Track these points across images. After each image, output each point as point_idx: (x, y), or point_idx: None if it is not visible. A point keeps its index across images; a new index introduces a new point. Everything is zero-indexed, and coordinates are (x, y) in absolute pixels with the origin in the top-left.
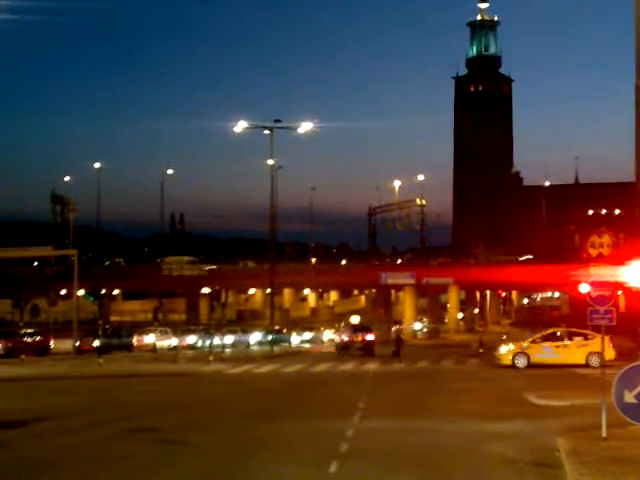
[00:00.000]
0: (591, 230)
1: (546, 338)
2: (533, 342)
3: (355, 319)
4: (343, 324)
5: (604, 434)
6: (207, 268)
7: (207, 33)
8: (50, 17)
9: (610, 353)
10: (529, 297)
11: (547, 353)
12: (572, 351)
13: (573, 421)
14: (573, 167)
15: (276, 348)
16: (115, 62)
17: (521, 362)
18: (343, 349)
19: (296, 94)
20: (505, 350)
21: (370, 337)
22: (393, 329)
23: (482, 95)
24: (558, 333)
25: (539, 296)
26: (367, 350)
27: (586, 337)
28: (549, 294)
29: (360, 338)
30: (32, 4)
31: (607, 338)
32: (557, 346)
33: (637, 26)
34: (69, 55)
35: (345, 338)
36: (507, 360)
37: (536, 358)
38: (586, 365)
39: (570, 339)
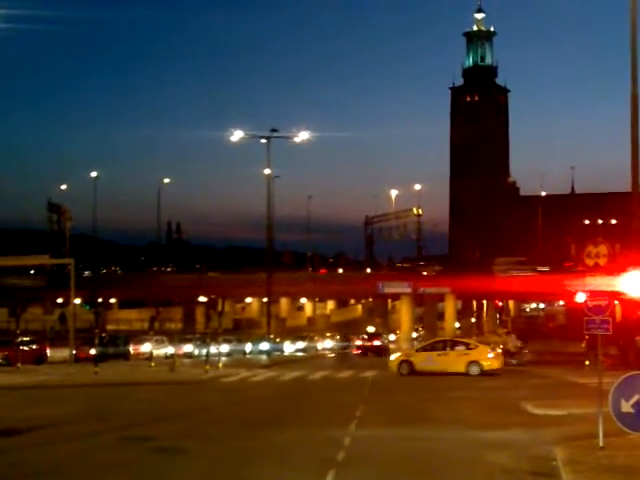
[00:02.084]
0: (587, 240)
1: (430, 347)
2: (417, 351)
3: (371, 329)
4: (363, 333)
5: (601, 443)
6: (540, 269)
7: (205, 41)
8: (47, 25)
9: (491, 363)
10: (519, 308)
11: (429, 361)
12: (453, 360)
13: (570, 430)
14: (569, 177)
15: (272, 356)
16: (112, 70)
17: (405, 369)
18: (361, 351)
19: (293, 103)
20: (393, 358)
21: (377, 342)
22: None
23: (478, 105)
24: (441, 342)
25: (527, 307)
26: (378, 352)
27: (468, 346)
28: (534, 305)
29: (369, 343)
30: (29, 12)
31: (488, 348)
32: (439, 355)
33: (632, 37)
34: (67, 63)
35: (360, 343)
36: (394, 367)
37: (420, 366)
38: (466, 373)
39: (452, 348)
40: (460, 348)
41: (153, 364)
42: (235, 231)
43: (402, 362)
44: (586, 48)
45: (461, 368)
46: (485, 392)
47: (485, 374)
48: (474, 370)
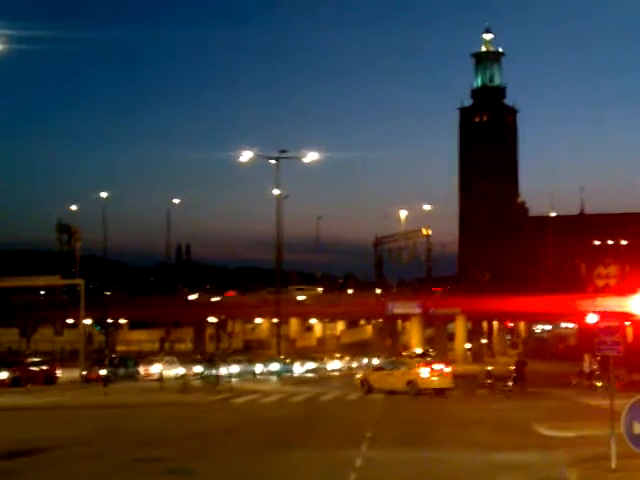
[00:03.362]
0: (597, 261)
1: (381, 368)
2: (373, 371)
3: (419, 350)
4: (407, 353)
5: (613, 465)
6: None
7: (211, 62)
8: (54, 46)
9: (427, 383)
10: (529, 329)
11: (380, 380)
12: (397, 379)
13: (582, 452)
14: (579, 197)
15: (282, 377)
16: (121, 90)
17: (365, 387)
18: None
19: (301, 123)
20: (357, 376)
21: None
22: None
23: (487, 126)
24: (390, 363)
25: (538, 329)
26: None
27: (409, 367)
28: (540, 327)
29: None
30: (36, 32)
31: (425, 369)
32: (387, 374)
33: None
34: (74, 83)
35: None
36: (358, 385)
37: (374, 384)
38: (406, 392)
39: (398, 368)
40: (403, 368)
41: (163, 385)
42: (244, 251)
43: (362, 381)
44: (595, 68)
45: (402, 387)
46: (496, 414)
47: (420, 393)
48: (411, 389)
